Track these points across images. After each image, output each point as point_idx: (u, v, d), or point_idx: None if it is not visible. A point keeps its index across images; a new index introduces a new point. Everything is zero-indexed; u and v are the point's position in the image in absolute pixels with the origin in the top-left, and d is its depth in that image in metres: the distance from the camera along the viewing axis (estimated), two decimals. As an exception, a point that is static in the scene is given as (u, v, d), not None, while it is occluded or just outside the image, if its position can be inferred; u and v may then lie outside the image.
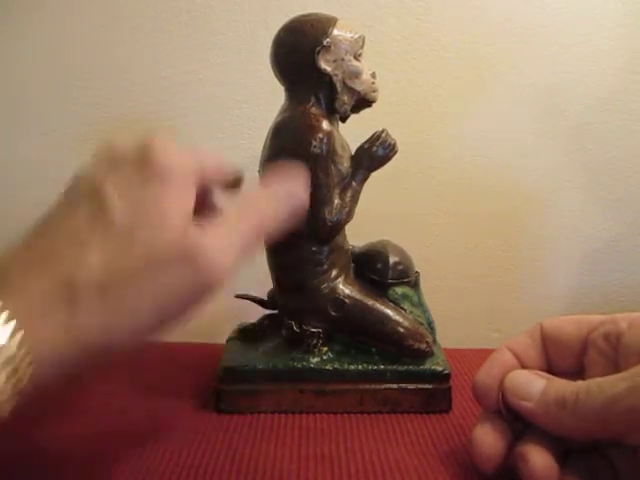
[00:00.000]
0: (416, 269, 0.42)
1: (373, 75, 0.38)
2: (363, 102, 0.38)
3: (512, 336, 0.32)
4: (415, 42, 0.54)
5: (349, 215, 0.38)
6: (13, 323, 0.19)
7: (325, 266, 0.38)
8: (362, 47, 0.38)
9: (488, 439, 0.29)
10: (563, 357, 0.30)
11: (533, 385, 0.28)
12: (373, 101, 0.39)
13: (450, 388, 0.38)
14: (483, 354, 0.32)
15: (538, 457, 0.27)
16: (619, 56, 0.55)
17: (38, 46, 0.54)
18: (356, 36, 0.38)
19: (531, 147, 0.56)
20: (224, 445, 0.33)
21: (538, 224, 0.57)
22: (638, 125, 0.56)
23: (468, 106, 0.55)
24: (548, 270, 0.58)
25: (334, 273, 0.39)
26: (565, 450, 0.28)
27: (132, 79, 0.55)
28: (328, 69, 0.37)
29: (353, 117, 0.39)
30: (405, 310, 0.40)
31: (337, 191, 0.38)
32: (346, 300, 0.38)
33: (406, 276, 0.40)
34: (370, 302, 0.39)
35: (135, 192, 0.23)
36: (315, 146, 0.36)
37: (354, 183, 0.38)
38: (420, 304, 0.41)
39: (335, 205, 0.38)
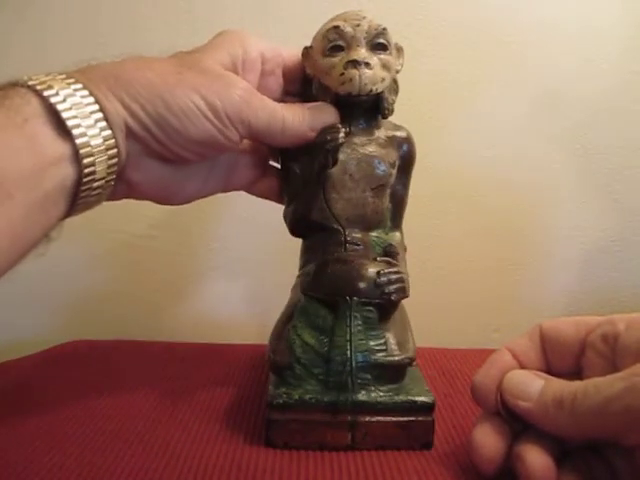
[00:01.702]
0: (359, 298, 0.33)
1: (345, 65, 0.34)
2: (343, 98, 0.35)
3: (512, 336, 0.31)
4: (414, 42, 0.54)
5: (294, 213, 0.38)
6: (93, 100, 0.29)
7: (301, 261, 0.39)
8: (335, 40, 0.35)
9: (488, 440, 0.29)
10: (562, 358, 0.30)
11: (531, 385, 0.28)
12: (344, 95, 0.35)
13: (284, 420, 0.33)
14: (483, 354, 0.32)
15: (535, 457, 0.27)
16: (619, 56, 0.55)
17: (33, 44, 0.54)
18: (324, 31, 0.36)
19: (530, 147, 0.56)
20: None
21: (538, 224, 0.57)
22: (638, 125, 0.56)
23: (467, 106, 0.55)
24: (548, 270, 0.58)
25: (303, 270, 0.38)
26: (563, 450, 0.28)
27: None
28: (310, 73, 0.37)
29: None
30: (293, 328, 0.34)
31: (293, 190, 0.38)
32: (291, 295, 0.38)
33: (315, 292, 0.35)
34: (287, 305, 0.37)
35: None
36: (280, 149, 0.38)
37: (307, 183, 0.37)
38: (331, 332, 0.34)
39: (288, 204, 0.38)
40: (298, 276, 0.38)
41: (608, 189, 0.57)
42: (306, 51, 0.37)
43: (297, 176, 0.37)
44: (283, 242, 0.41)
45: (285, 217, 0.39)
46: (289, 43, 0.53)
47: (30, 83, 0.28)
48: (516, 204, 0.57)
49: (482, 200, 0.56)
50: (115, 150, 0.29)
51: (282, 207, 0.39)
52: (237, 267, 0.57)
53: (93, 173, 0.28)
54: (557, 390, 0.27)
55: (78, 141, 0.27)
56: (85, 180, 0.28)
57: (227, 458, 0.32)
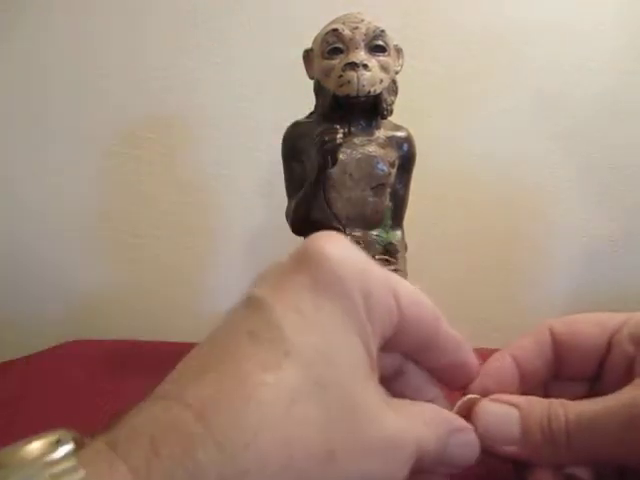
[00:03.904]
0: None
1: (343, 68, 0.35)
2: (342, 99, 0.36)
3: (512, 336, 0.31)
4: (414, 42, 0.54)
5: (295, 213, 0.38)
6: None
7: None
8: (334, 43, 0.35)
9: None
10: (583, 363, 0.27)
11: (508, 422, 0.24)
12: (343, 96, 0.35)
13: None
14: (482, 354, 0.32)
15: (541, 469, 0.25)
16: (619, 56, 0.55)
17: (32, 42, 0.55)
18: (323, 34, 0.36)
19: (531, 147, 0.56)
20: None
21: (538, 223, 0.57)
22: (638, 125, 0.56)
23: (467, 106, 0.55)
24: (548, 269, 0.58)
25: None
26: None
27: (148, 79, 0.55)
28: (312, 75, 0.38)
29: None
30: None
31: (294, 190, 0.38)
32: None
33: None
34: None
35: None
36: (282, 148, 0.39)
37: (307, 182, 0.37)
38: None
39: (289, 203, 0.39)
40: None
41: (608, 189, 0.57)
42: (307, 54, 0.38)
43: (298, 176, 0.38)
44: (286, 241, 0.41)
45: (287, 216, 0.39)
46: (291, 43, 0.54)
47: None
48: (516, 204, 0.57)
49: (482, 200, 0.56)
50: None
51: (284, 206, 0.40)
52: (239, 267, 0.57)
53: None
54: (542, 424, 0.24)
55: None
56: None
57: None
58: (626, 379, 0.24)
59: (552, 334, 0.27)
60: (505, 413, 0.25)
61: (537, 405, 0.24)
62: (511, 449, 0.24)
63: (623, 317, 0.26)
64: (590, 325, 0.27)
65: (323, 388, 0.18)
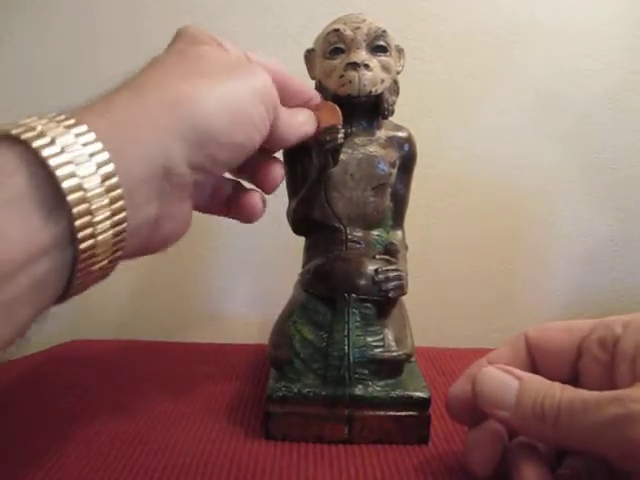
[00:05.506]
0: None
1: (344, 68, 0.35)
2: (344, 99, 0.35)
3: (511, 335, 0.31)
4: (415, 42, 0.54)
5: (296, 213, 0.38)
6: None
7: (304, 259, 0.39)
8: (335, 43, 0.36)
9: (481, 445, 0.28)
10: (555, 367, 0.28)
11: (506, 390, 0.26)
12: (344, 96, 0.35)
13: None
14: (482, 354, 0.32)
15: (530, 471, 0.26)
16: (620, 55, 0.55)
17: (51, 48, 0.55)
18: (324, 34, 0.36)
19: (531, 147, 0.56)
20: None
21: (537, 224, 0.57)
22: (638, 125, 0.56)
23: (467, 106, 0.55)
24: (547, 269, 0.58)
25: (304, 268, 0.38)
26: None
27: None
28: (313, 75, 0.38)
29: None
30: (293, 324, 0.36)
31: (295, 189, 0.38)
32: (293, 293, 0.38)
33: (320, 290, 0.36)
34: (289, 302, 0.38)
35: None
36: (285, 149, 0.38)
37: (309, 182, 0.37)
38: (330, 328, 0.35)
39: (290, 203, 0.39)
40: (300, 274, 0.39)
41: (609, 189, 0.57)
42: (308, 54, 0.38)
43: (299, 175, 0.38)
44: (286, 241, 0.41)
45: (288, 216, 0.39)
46: (290, 46, 0.54)
47: (14, 132, 0.20)
48: (516, 204, 0.57)
49: (483, 200, 0.56)
50: (123, 214, 0.22)
51: (285, 205, 0.40)
52: (239, 267, 0.57)
53: (92, 248, 0.21)
54: (537, 399, 0.25)
55: (75, 210, 0.20)
56: (83, 257, 0.21)
57: (228, 452, 0.32)
58: (605, 381, 0.26)
59: (526, 339, 0.29)
60: (506, 381, 0.26)
61: (538, 382, 0.26)
62: (503, 414, 0.26)
63: (593, 323, 0.28)
64: (559, 331, 0.29)
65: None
